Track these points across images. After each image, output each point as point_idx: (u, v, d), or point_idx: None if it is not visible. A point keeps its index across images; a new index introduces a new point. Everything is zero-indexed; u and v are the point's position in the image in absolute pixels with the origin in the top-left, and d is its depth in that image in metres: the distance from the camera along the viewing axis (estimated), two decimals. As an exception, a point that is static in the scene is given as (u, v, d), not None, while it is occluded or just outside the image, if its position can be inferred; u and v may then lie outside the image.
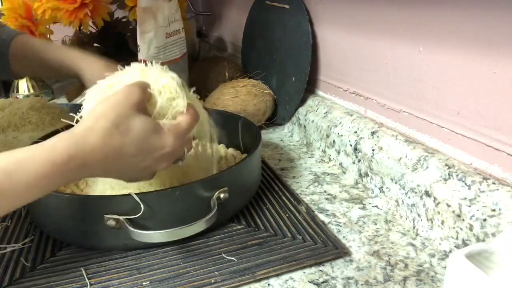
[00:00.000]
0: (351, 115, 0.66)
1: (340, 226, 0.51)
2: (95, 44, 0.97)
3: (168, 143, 0.42)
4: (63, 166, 0.36)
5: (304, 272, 0.43)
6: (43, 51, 0.62)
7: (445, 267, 0.43)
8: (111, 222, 0.43)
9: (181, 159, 0.45)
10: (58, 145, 0.37)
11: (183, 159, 0.46)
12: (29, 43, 0.64)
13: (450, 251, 0.45)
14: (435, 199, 0.46)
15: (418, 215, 0.49)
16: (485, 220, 0.40)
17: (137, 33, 0.74)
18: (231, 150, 0.67)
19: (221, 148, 0.68)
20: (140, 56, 0.76)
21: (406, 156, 0.52)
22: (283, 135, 0.82)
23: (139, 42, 0.75)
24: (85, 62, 0.62)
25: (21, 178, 0.34)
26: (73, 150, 0.37)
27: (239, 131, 0.66)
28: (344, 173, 0.64)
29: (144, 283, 0.42)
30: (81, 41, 0.95)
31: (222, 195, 0.48)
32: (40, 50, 0.63)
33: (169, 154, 0.43)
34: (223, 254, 0.45)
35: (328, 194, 0.59)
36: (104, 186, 0.51)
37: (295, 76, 0.78)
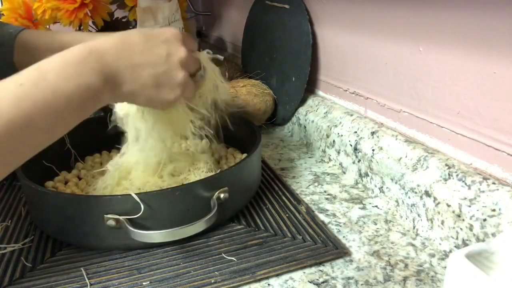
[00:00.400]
0: (351, 115, 0.66)
1: (340, 226, 0.51)
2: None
3: (177, 44, 0.44)
4: (83, 57, 0.37)
5: (304, 272, 0.43)
6: (52, 39, 0.60)
7: (445, 267, 0.43)
8: (111, 222, 0.43)
9: (197, 70, 0.47)
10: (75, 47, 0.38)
11: (200, 71, 0.48)
12: (34, 33, 0.62)
13: (450, 251, 0.45)
14: (435, 199, 0.46)
15: (418, 215, 0.49)
16: (485, 220, 0.40)
17: None
18: (231, 150, 0.67)
19: (221, 148, 0.68)
20: None
21: (406, 156, 0.52)
22: (283, 135, 0.82)
23: None
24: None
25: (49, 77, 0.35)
26: (89, 47, 0.38)
27: (239, 131, 0.66)
28: (344, 173, 0.64)
29: (144, 283, 0.42)
30: (81, 41, 0.95)
31: (222, 195, 0.48)
32: (48, 38, 0.60)
33: (182, 58, 0.44)
34: (223, 254, 0.45)
35: (328, 194, 0.59)
36: (103, 184, 0.51)
37: (295, 76, 0.78)
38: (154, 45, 0.43)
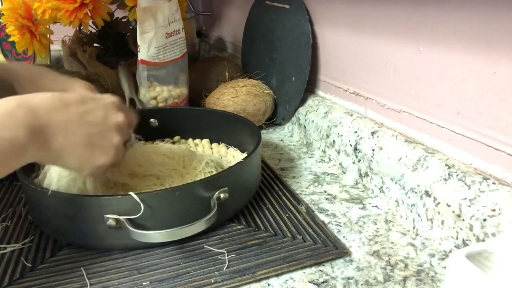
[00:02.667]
0: (351, 115, 0.66)
1: (340, 226, 0.51)
2: (95, 44, 0.98)
3: (115, 109, 0.43)
4: (12, 109, 0.35)
5: (304, 272, 0.43)
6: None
7: (445, 267, 0.43)
8: (111, 222, 0.43)
9: (129, 140, 0.46)
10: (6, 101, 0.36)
11: (131, 141, 0.47)
12: None
13: (450, 251, 0.45)
14: (435, 199, 0.46)
15: (418, 215, 0.49)
16: (485, 220, 0.40)
17: (137, 33, 0.74)
18: (231, 150, 0.67)
19: (221, 148, 0.68)
20: (140, 56, 0.76)
21: (406, 156, 0.52)
22: (283, 135, 0.82)
23: (139, 42, 0.75)
24: (16, 69, 0.55)
25: None
26: (19, 99, 0.36)
27: (239, 131, 0.66)
28: (344, 173, 0.64)
29: (144, 283, 0.42)
30: (81, 41, 0.95)
31: (222, 195, 0.48)
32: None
33: (119, 123, 0.43)
34: (223, 254, 0.45)
35: (328, 194, 0.59)
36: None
37: (295, 76, 0.78)
38: (92, 107, 0.41)
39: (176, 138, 0.73)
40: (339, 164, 0.65)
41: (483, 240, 0.41)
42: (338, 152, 0.65)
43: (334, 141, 0.66)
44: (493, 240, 0.32)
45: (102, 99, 0.43)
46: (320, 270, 0.43)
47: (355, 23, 0.65)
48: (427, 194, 0.47)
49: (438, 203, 0.46)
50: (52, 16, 0.76)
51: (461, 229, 0.43)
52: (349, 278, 0.42)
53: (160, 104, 0.81)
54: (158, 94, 0.80)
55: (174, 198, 0.45)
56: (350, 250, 0.46)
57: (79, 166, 0.42)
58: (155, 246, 0.47)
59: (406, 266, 0.44)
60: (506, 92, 0.42)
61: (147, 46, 0.75)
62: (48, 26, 0.85)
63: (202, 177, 0.53)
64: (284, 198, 0.56)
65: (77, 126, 0.39)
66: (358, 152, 0.60)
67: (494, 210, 0.40)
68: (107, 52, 0.97)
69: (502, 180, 0.43)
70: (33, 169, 0.55)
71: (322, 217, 0.53)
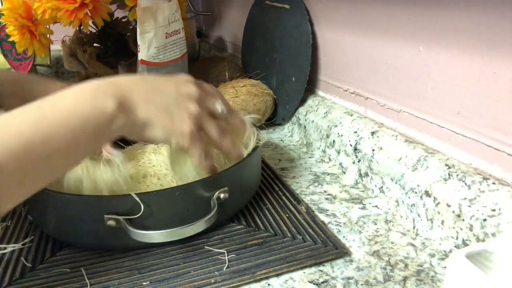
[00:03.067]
0: (351, 115, 0.66)
1: (340, 226, 0.51)
2: (95, 44, 0.97)
3: (187, 82, 0.45)
4: (98, 85, 0.39)
5: (304, 272, 0.43)
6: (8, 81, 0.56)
7: (445, 267, 0.43)
8: (111, 222, 0.43)
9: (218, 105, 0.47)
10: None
11: (219, 105, 0.47)
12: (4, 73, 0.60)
13: (450, 251, 0.45)
14: (435, 199, 0.46)
15: (418, 215, 0.49)
16: (485, 220, 0.40)
17: (137, 33, 0.74)
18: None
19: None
20: (140, 56, 0.76)
21: (406, 156, 0.52)
22: (283, 135, 0.82)
23: (139, 42, 0.75)
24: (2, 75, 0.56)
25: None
26: (102, 79, 0.40)
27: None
28: (344, 173, 0.64)
29: (144, 283, 0.42)
30: (81, 41, 0.95)
31: (222, 195, 0.48)
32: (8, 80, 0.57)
33: (192, 93, 0.44)
34: (223, 254, 0.45)
35: (328, 194, 0.59)
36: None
37: (295, 76, 0.78)
38: (165, 80, 0.45)
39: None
40: (339, 164, 0.65)
41: (483, 240, 0.41)
42: (338, 152, 0.65)
43: (334, 141, 0.66)
44: (493, 240, 0.32)
45: (174, 75, 0.46)
46: (320, 270, 0.43)
47: (355, 23, 0.65)
48: (427, 194, 0.47)
49: (438, 203, 0.46)
50: (52, 16, 0.76)
51: (461, 229, 0.43)
52: (349, 278, 0.42)
53: None
54: None
55: (174, 198, 0.45)
56: (350, 250, 0.46)
57: (165, 135, 0.43)
58: (155, 246, 0.47)
59: (406, 266, 0.44)
60: (506, 92, 0.42)
61: (147, 46, 0.75)
62: (48, 26, 0.85)
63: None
64: (284, 198, 0.56)
65: (154, 95, 0.42)
66: (358, 152, 0.60)
67: (494, 210, 0.40)
68: (107, 52, 0.97)
69: (502, 180, 0.43)
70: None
71: (322, 217, 0.53)
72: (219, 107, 0.47)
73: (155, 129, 0.42)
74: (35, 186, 0.35)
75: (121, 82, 0.40)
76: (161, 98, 0.42)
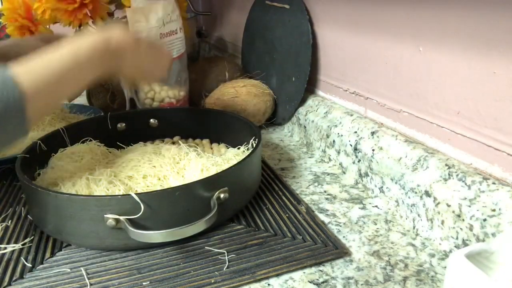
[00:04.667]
0: (351, 115, 0.66)
1: (340, 226, 0.51)
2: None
3: None
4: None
5: (304, 272, 0.43)
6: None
7: (445, 267, 0.43)
8: (111, 222, 0.43)
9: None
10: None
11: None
12: None
13: (450, 251, 0.45)
14: (435, 199, 0.46)
15: (418, 215, 0.49)
16: (485, 220, 0.40)
17: None
18: (231, 150, 0.67)
19: (221, 148, 0.68)
20: None
21: (406, 156, 0.52)
22: (283, 135, 0.82)
23: None
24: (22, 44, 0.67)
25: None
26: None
27: (239, 131, 0.66)
28: (344, 173, 0.64)
29: (144, 283, 0.42)
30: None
31: (222, 195, 0.48)
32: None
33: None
34: (223, 254, 0.45)
35: (328, 194, 0.59)
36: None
37: (295, 76, 0.78)
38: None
39: (176, 138, 0.73)
40: (339, 164, 0.65)
41: (483, 240, 0.41)
42: (338, 152, 0.65)
43: (334, 141, 0.66)
44: (493, 240, 0.32)
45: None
46: (320, 270, 0.43)
47: (355, 23, 0.65)
48: (427, 194, 0.47)
49: (438, 203, 0.46)
50: (52, 16, 0.76)
51: (461, 229, 0.43)
52: (349, 278, 0.42)
53: (155, 104, 0.81)
54: (154, 94, 0.80)
55: (174, 198, 0.45)
56: (350, 250, 0.46)
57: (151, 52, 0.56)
58: (155, 246, 0.47)
59: (406, 266, 0.44)
60: (506, 92, 0.42)
61: None
62: (48, 26, 0.85)
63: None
64: (284, 198, 0.56)
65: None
66: (358, 152, 0.60)
67: (494, 210, 0.40)
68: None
69: (502, 180, 0.43)
70: (33, 169, 0.56)
71: (322, 217, 0.53)
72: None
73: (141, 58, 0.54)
74: (52, 106, 0.48)
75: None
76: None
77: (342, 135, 0.64)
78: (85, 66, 0.47)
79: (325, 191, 0.59)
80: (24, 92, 0.41)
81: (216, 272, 0.42)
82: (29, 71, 0.43)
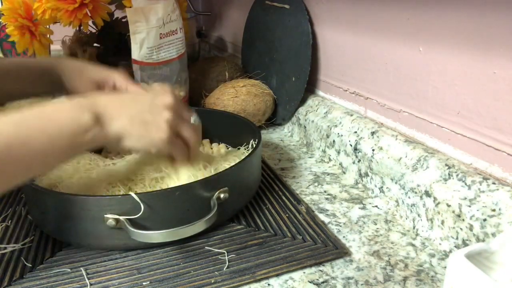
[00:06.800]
0: (351, 115, 0.66)
1: (340, 226, 0.51)
2: (95, 44, 0.97)
3: (164, 93, 0.48)
4: (78, 100, 0.42)
5: (304, 272, 0.43)
6: (22, 62, 0.61)
7: (445, 267, 0.43)
8: (111, 222, 0.43)
9: (188, 118, 0.49)
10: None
11: (193, 117, 0.50)
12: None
13: (450, 251, 0.45)
14: (435, 199, 0.46)
15: (418, 215, 0.49)
16: (485, 220, 0.40)
17: (130, 33, 0.74)
18: (231, 150, 0.67)
19: (222, 148, 0.68)
20: (133, 55, 0.76)
21: (406, 156, 0.52)
22: (283, 135, 0.82)
23: (131, 42, 0.75)
24: (64, 63, 0.62)
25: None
26: (83, 97, 0.43)
27: (239, 131, 0.66)
28: (344, 173, 0.64)
29: (144, 283, 0.42)
30: (81, 41, 0.95)
31: (222, 195, 0.48)
32: (19, 63, 0.61)
33: (167, 102, 0.46)
34: (223, 254, 0.45)
35: (328, 194, 0.59)
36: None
37: (295, 76, 0.78)
38: (142, 93, 0.49)
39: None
40: (339, 164, 0.65)
41: (483, 240, 0.41)
42: (338, 152, 0.65)
43: (334, 141, 0.66)
44: (493, 240, 0.32)
45: (153, 89, 0.50)
46: (320, 270, 0.43)
47: (355, 23, 0.65)
48: (427, 194, 0.47)
49: (438, 203, 0.46)
50: (52, 16, 0.76)
51: (461, 229, 0.43)
52: (349, 278, 0.42)
53: None
54: None
55: (174, 198, 0.45)
56: (350, 250, 0.46)
57: (143, 144, 0.45)
58: (155, 246, 0.47)
59: (406, 266, 0.44)
60: (506, 92, 0.42)
61: (139, 46, 0.75)
62: (48, 26, 0.85)
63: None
64: (284, 198, 0.56)
65: (129, 107, 0.45)
66: (358, 152, 0.60)
67: (494, 210, 0.40)
68: (107, 52, 0.96)
69: (502, 180, 0.43)
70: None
71: (322, 217, 0.53)
72: (192, 118, 0.50)
73: (130, 139, 0.44)
74: (10, 183, 0.38)
75: (98, 99, 0.44)
76: (135, 108, 0.45)
77: (342, 135, 0.64)
78: (63, 137, 0.40)
79: (325, 191, 0.59)
80: None
81: (216, 272, 0.42)
82: None
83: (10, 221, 0.53)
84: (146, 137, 0.45)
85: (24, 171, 0.38)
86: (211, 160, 0.56)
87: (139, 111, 0.45)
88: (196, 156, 0.51)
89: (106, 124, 0.42)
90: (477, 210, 0.41)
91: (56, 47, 1.09)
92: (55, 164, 0.42)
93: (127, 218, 0.43)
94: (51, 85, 0.60)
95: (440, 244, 0.46)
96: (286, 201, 0.56)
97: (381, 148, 0.57)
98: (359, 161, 0.60)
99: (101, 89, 0.58)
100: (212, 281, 0.41)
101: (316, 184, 0.62)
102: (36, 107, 0.39)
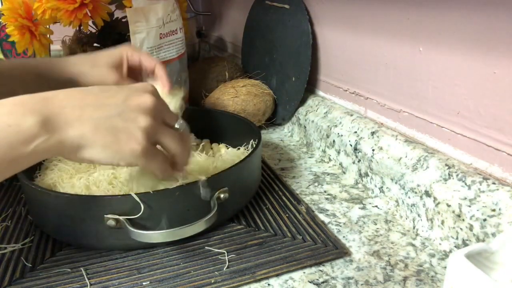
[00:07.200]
0: (351, 115, 0.66)
1: (340, 226, 0.51)
2: (95, 44, 0.97)
3: (142, 91, 0.38)
4: (24, 99, 0.33)
5: (304, 272, 0.43)
6: (36, 65, 0.55)
7: (445, 267, 0.43)
8: (111, 222, 0.43)
9: (173, 124, 0.40)
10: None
11: (179, 123, 0.41)
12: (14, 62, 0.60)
13: (450, 251, 0.45)
14: (435, 199, 0.46)
15: (418, 215, 0.49)
16: (485, 220, 0.40)
17: (130, 33, 0.74)
18: (231, 150, 0.67)
19: (221, 148, 0.68)
20: None
21: (406, 156, 0.52)
22: (283, 135, 0.82)
23: (131, 42, 0.75)
24: (71, 61, 0.56)
25: None
26: (38, 93, 0.35)
27: (239, 131, 0.66)
28: (344, 173, 0.64)
29: (144, 283, 0.42)
30: (81, 41, 0.95)
31: (222, 195, 0.48)
32: (34, 65, 0.56)
33: (144, 103, 0.37)
34: (223, 254, 0.45)
35: (328, 194, 0.59)
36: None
37: (295, 76, 0.78)
38: (114, 91, 0.38)
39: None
40: (339, 164, 0.65)
41: (483, 240, 0.41)
42: (338, 152, 0.65)
43: (334, 141, 0.66)
44: (493, 240, 0.32)
45: (131, 85, 0.40)
46: (320, 270, 0.43)
47: (355, 23, 0.65)
48: (427, 194, 0.47)
49: (438, 203, 0.46)
50: (52, 16, 0.76)
51: (461, 229, 0.43)
52: (349, 278, 0.42)
53: None
54: None
55: (174, 198, 0.45)
56: (350, 250, 0.46)
57: (109, 156, 0.36)
58: (155, 246, 0.47)
59: (406, 266, 0.44)
60: (506, 92, 0.42)
61: (139, 46, 0.75)
62: (48, 26, 0.85)
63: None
64: (284, 198, 0.56)
65: (94, 110, 0.35)
66: (358, 152, 0.60)
67: (494, 210, 0.40)
68: (107, 52, 0.96)
69: (502, 180, 0.43)
70: (34, 168, 0.56)
71: (322, 217, 0.53)
72: (178, 123, 0.41)
73: (93, 150, 0.36)
74: None
75: (53, 97, 0.35)
76: (102, 112, 0.36)
77: (342, 135, 0.64)
78: None
79: (325, 191, 0.59)
80: None
81: (216, 272, 0.42)
82: None
83: (10, 221, 0.53)
84: (113, 148, 0.36)
85: None
86: (210, 167, 0.53)
87: (107, 115, 0.36)
88: (183, 169, 0.43)
89: (60, 130, 0.34)
90: (477, 210, 0.41)
91: (56, 47, 1.09)
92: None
93: (127, 218, 0.43)
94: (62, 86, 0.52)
95: (440, 244, 0.46)
96: (286, 201, 0.56)
97: (381, 148, 0.57)
98: (359, 161, 0.60)
99: (123, 73, 0.54)
100: (212, 281, 0.41)
101: (316, 184, 0.62)
102: None
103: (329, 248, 0.46)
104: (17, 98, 0.33)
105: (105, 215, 0.43)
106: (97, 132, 0.35)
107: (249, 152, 0.58)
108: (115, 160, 0.37)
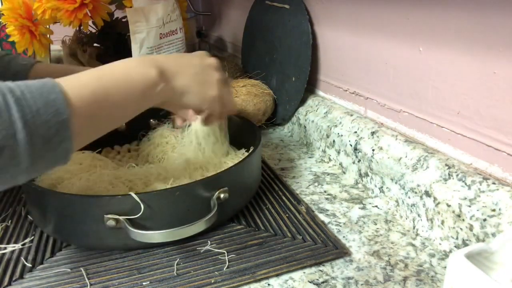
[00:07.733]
0: (351, 115, 0.66)
1: (340, 226, 0.51)
2: (95, 44, 0.97)
3: (205, 55, 0.52)
4: (141, 59, 0.45)
5: (304, 272, 0.43)
6: (65, 71, 0.60)
7: (445, 267, 0.43)
8: (111, 222, 0.43)
9: (227, 79, 0.53)
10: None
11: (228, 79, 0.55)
12: (50, 68, 0.67)
13: (450, 251, 0.45)
14: (435, 199, 0.46)
15: (418, 215, 0.49)
16: (485, 220, 0.40)
17: (130, 33, 0.74)
18: (231, 150, 0.67)
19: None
20: (133, 55, 0.76)
21: (406, 156, 0.52)
22: (283, 135, 0.82)
23: (131, 42, 0.75)
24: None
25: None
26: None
27: (239, 131, 0.66)
28: (344, 173, 0.64)
29: (144, 283, 0.42)
30: (81, 41, 0.95)
31: (222, 195, 0.48)
32: (61, 71, 0.60)
33: (213, 63, 0.50)
34: (223, 254, 0.45)
35: (328, 194, 0.59)
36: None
37: (295, 76, 0.78)
38: (190, 56, 0.51)
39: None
40: (339, 164, 0.65)
41: (483, 240, 0.41)
42: (338, 152, 0.65)
43: (334, 141, 0.66)
44: (493, 240, 0.32)
45: (195, 52, 0.53)
46: (320, 270, 0.43)
47: (355, 23, 0.65)
48: (427, 194, 0.47)
49: (438, 203, 0.46)
50: (52, 16, 0.76)
51: (461, 229, 0.43)
52: (349, 278, 0.42)
53: None
54: None
55: (174, 198, 0.45)
56: (350, 250, 0.46)
57: (199, 100, 0.49)
58: (155, 246, 0.47)
59: (406, 266, 0.44)
60: (506, 92, 0.42)
61: (139, 46, 0.75)
62: (48, 26, 0.85)
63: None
64: (284, 198, 0.56)
65: (187, 68, 0.48)
66: (358, 152, 0.60)
67: (494, 210, 0.40)
68: (107, 52, 0.96)
69: (502, 180, 0.43)
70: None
71: (322, 217, 0.53)
72: (227, 78, 0.53)
73: (190, 96, 0.47)
74: (99, 131, 0.40)
75: (158, 58, 0.46)
76: (193, 69, 0.48)
77: (342, 135, 0.64)
78: (137, 90, 0.42)
79: (325, 191, 0.59)
80: (72, 107, 0.35)
81: (216, 272, 0.42)
82: (79, 85, 0.37)
83: (10, 221, 0.53)
84: (201, 95, 0.48)
85: (107, 121, 0.41)
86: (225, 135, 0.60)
87: (196, 71, 0.48)
88: (226, 117, 0.57)
89: (170, 80, 0.45)
90: (477, 210, 0.41)
91: (56, 47, 1.09)
92: (131, 116, 0.44)
93: (127, 218, 0.43)
94: None
95: (440, 244, 0.46)
96: (286, 201, 0.56)
97: (381, 148, 0.57)
98: (359, 161, 0.60)
99: None
100: (212, 281, 0.41)
101: (316, 184, 0.62)
102: (109, 65, 0.42)
103: (329, 248, 0.46)
104: (134, 58, 0.45)
105: (105, 215, 0.43)
106: (193, 83, 0.47)
107: (249, 152, 0.57)
108: (201, 104, 0.49)
